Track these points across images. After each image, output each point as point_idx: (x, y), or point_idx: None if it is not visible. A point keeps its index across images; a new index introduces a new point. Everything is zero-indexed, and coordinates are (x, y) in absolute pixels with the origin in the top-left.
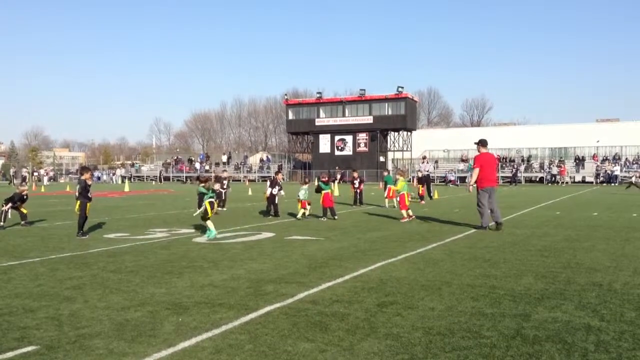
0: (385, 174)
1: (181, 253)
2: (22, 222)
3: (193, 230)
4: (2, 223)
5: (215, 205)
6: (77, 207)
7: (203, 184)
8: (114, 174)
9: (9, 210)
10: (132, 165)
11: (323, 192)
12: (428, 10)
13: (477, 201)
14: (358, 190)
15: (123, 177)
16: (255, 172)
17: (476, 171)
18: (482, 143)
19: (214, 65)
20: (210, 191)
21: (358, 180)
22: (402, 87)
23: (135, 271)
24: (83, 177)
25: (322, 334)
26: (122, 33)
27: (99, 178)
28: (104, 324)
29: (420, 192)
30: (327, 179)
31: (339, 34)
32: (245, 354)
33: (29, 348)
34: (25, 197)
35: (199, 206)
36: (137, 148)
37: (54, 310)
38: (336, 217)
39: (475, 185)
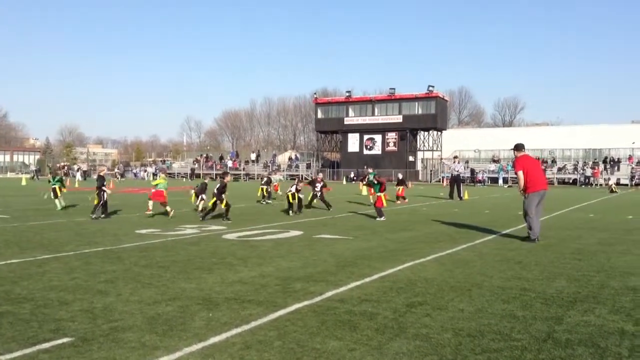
0: (370, 170)
1: (211, 249)
2: (98, 215)
3: (223, 227)
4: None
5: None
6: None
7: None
8: (145, 171)
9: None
10: (163, 162)
11: (377, 194)
12: (459, 9)
13: (523, 209)
14: (317, 194)
15: (154, 174)
16: (284, 171)
17: (520, 175)
18: (517, 148)
19: (244, 64)
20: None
21: (321, 184)
22: (433, 86)
23: (166, 266)
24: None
25: (351, 333)
26: (156, 32)
27: (135, 174)
28: (136, 318)
29: (400, 192)
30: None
31: (369, 33)
32: (274, 351)
33: (64, 340)
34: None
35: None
36: (169, 145)
37: (88, 303)
38: (383, 218)
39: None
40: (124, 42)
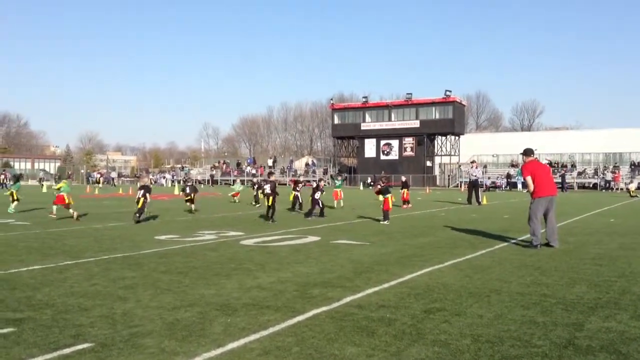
0: (339, 178)
1: (229, 255)
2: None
3: (241, 233)
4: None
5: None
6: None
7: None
8: (164, 177)
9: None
10: (182, 168)
11: (384, 196)
12: (476, 13)
13: (528, 214)
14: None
15: (172, 181)
16: (301, 176)
17: (529, 180)
18: (526, 153)
19: (261, 70)
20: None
21: (301, 185)
22: (450, 91)
23: (185, 272)
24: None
25: (369, 339)
26: (173, 39)
27: (155, 181)
28: (156, 323)
29: (405, 196)
30: (388, 183)
31: (385, 38)
32: (292, 357)
33: (84, 345)
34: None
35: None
36: (187, 152)
37: (108, 309)
38: (387, 222)
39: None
40: (140, 51)
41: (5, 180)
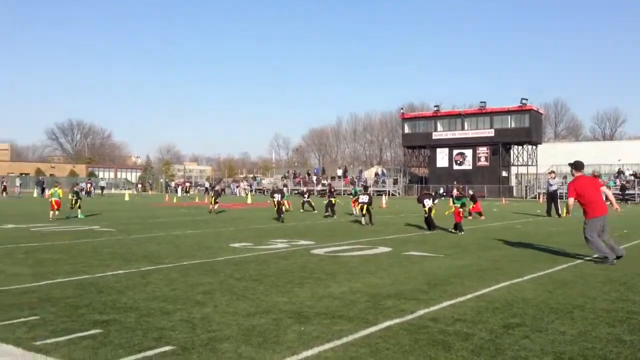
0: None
1: (300, 264)
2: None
3: (312, 242)
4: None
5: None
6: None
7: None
8: (238, 187)
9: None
10: (254, 178)
11: (454, 206)
12: (554, 21)
13: (584, 236)
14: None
15: (245, 190)
16: (370, 187)
17: (570, 202)
18: (574, 166)
19: (330, 81)
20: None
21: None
22: (526, 99)
23: (259, 280)
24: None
25: (445, 353)
26: (243, 52)
27: (232, 191)
28: (232, 329)
29: (475, 208)
30: (458, 193)
31: (456, 46)
32: None
33: (166, 348)
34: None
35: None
36: (258, 162)
37: (187, 314)
38: (462, 232)
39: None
40: (214, 64)
41: (91, 189)
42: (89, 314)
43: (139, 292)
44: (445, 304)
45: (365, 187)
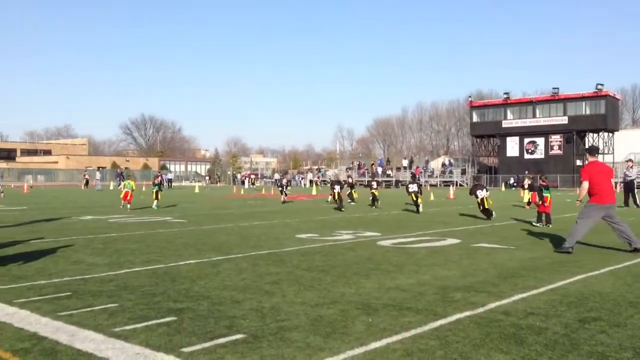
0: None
1: (367, 255)
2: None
3: (377, 233)
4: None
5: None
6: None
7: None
8: (302, 178)
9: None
10: (318, 170)
11: (547, 196)
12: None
13: (578, 214)
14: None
15: (311, 181)
16: (437, 177)
17: (585, 185)
18: (589, 151)
19: (395, 71)
20: None
21: (338, 186)
22: (602, 85)
23: (325, 270)
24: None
25: (518, 347)
26: (309, 46)
27: (297, 183)
28: (301, 319)
29: (531, 198)
30: (546, 183)
31: (528, 32)
32: None
33: (237, 336)
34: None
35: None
36: (322, 154)
37: (257, 303)
38: (550, 225)
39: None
40: (279, 58)
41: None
42: (164, 302)
43: (210, 281)
44: (517, 297)
45: (414, 176)
